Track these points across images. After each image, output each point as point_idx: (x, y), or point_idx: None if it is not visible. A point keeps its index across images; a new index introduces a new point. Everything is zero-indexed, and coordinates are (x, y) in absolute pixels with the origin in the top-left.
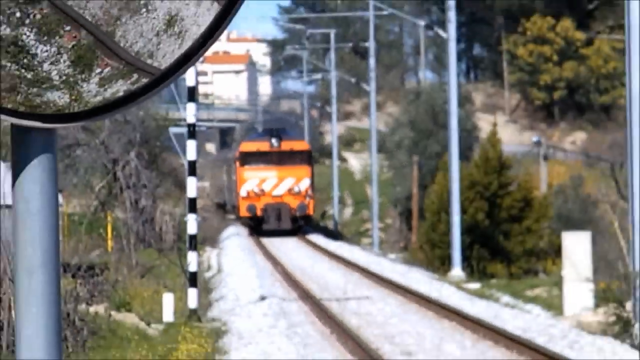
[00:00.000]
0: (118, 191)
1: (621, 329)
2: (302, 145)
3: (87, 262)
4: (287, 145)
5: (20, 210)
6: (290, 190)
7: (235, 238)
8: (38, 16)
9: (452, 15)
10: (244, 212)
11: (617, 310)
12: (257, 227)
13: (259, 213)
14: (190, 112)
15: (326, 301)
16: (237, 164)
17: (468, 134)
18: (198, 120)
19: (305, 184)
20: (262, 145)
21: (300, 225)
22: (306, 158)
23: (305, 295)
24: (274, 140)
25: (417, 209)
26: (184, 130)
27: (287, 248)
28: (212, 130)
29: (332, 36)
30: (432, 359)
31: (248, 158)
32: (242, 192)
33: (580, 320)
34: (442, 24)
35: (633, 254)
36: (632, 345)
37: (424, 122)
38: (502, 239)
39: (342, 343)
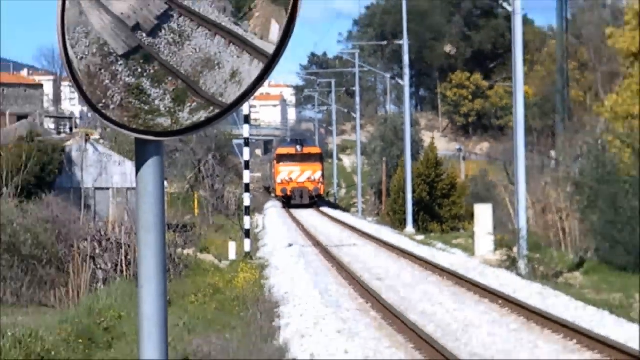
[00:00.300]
0: (201, 179)
1: (510, 264)
2: (316, 149)
3: (182, 222)
4: (306, 150)
5: (141, 190)
6: (308, 179)
7: (273, 208)
8: (152, 71)
9: (406, 70)
10: (278, 193)
11: (508, 253)
12: (287, 202)
13: (288, 193)
14: (245, 130)
15: (329, 247)
16: (275, 161)
17: (416, 144)
18: (250, 135)
19: (318, 174)
20: (291, 150)
21: (315, 201)
22: (319, 158)
23: (317, 243)
24: (298, 147)
25: (385, 190)
26: (242, 141)
27: (306, 214)
28: (259, 141)
29: (333, 83)
30: (395, 281)
31: (282, 158)
32: (278, 180)
33: (485, 258)
34: (400, 76)
35: (518, 218)
36: (517, 274)
37: (389, 136)
38: (437, 208)
39: (339, 272)
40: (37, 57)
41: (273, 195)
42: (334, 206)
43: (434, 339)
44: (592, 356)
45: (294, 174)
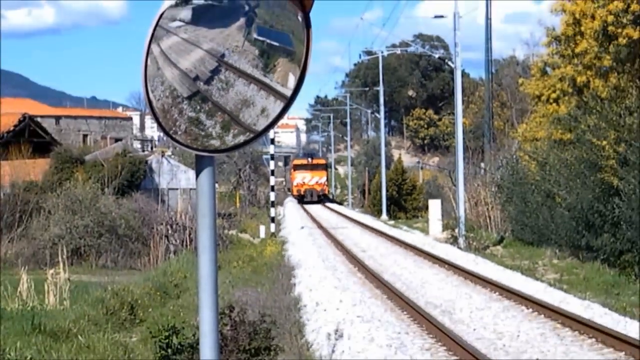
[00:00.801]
0: (241, 182)
1: (453, 241)
2: (322, 161)
3: (228, 212)
4: (315, 161)
5: (199, 190)
6: (316, 182)
7: (290, 202)
8: (207, 108)
9: (382, 108)
10: (295, 193)
11: (451, 233)
12: (301, 200)
13: (302, 193)
14: (271, 149)
15: (328, 229)
16: (292, 170)
17: (388, 158)
18: (274, 152)
19: (323, 179)
20: (304, 161)
21: (321, 198)
22: (324, 167)
23: (320, 226)
24: (309, 159)
25: (367, 190)
26: (269, 156)
27: (313, 207)
28: (280, 156)
29: (332, 117)
30: (374, 252)
31: (297, 167)
32: (294, 183)
33: (435, 236)
34: (378, 112)
35: (458, 209)
36: (458, 247)
37: (370, 153)
38: (403, 202)
39: (335, 246)
40: (129, 98)
41: (290, 194)
42: (332, 201)
43: (401, 291)
44: (509, 303)
45: (306, 179)
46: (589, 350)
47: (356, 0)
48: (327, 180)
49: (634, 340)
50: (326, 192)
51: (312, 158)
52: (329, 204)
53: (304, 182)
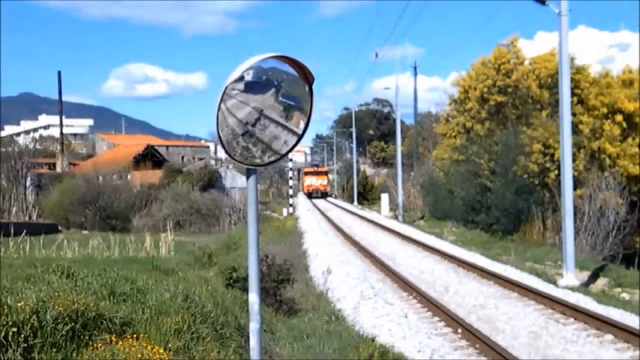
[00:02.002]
0: (272, 183)
1: (395, 217)
2: (324, 169)
3: (264, 200)
4: (319, 169)
5: (248, 188)
6: (320, 184)
7: (301, 196)
8: (252, 140)
9: (354, 141)
10: (305, 191)
11: (394, 213)
12: (309, 196)
13: (310, 191)
14: (290, 164)
15: (323, 211)
16: (303, 175)
17: (358, 170)
18: (292, 166)
19: (325, 182)
20: (311, 169)
21: (324, 195)
22: (325, 173)
23: (317, 208)
24: (315, 167)
25: (346, 188)
26: (289, 168)
27: (318, 201)
28: (295, 168)
29: (325, 147)
30: (349, 224)
31: (307, 173)
32: (305, 184)
33: (385, 215)
34: (352, 143)
35: (398, 199)
36: (398, 221)
37: (347, 167)
38: (366, 194)
39: (327, 221)
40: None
41: (302, 192)
42: (329, 196)
43: (365, 247)
44: (428, 253)
45: (313, 181)
46: (473, 280)
47: (340, 76)
48: (328, 182)
49: (500, 275)
50: (327, 191)
51: (317, 167)
52: (327, 198)
53: (311, 184)
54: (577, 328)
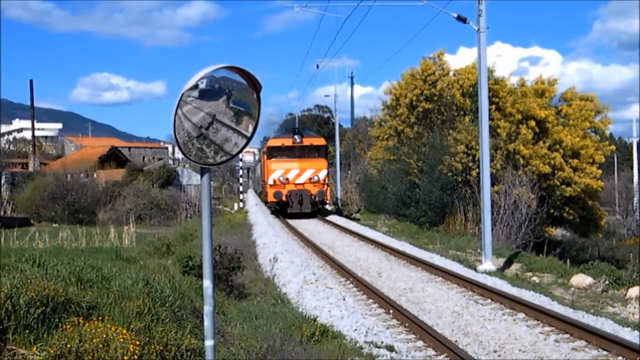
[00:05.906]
0: (225, 180)
1: (336, 211)
2: (318, 140)
3: (217, 196)
4: (309, 140)
5: (203, 187)
6: (309, 179)
7: (250, 191)
8: (206, 142)
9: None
10: (271, 199)
11: (335, 207)
12: (282, 211)
13: (283, 199)
14: (240, 163)
15: (270, 206)
16: (265, 157)
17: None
18: (242, 165)
19: (322, 173)
20: (287, 141)
21: (319, 209)
22: (324, 151)
23: (266, 203)
24: (295, 137)
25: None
26: (239, 167)
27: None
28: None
29: None
30: (296, 218)
31: (274, 151)
32: (269, 181)
33: (327, 208)
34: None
35: (337, 194)
36: (338, 215)
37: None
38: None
39: (273, 214)
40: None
41: (264, 201)
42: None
43: (308, 237)
44: (363, 243)
45: (293, 173)
46: (403, 266)
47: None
48: (328, 174)
49: (426, 261)
50: (325, 198)
51: (302, 136)
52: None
53: (286, 179)
54: (493, 308)
